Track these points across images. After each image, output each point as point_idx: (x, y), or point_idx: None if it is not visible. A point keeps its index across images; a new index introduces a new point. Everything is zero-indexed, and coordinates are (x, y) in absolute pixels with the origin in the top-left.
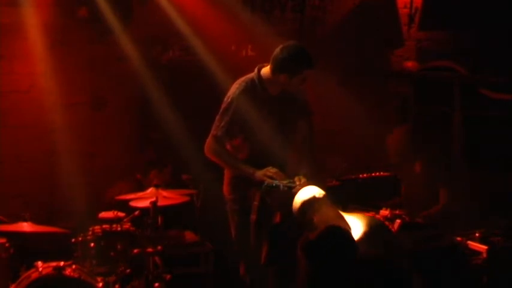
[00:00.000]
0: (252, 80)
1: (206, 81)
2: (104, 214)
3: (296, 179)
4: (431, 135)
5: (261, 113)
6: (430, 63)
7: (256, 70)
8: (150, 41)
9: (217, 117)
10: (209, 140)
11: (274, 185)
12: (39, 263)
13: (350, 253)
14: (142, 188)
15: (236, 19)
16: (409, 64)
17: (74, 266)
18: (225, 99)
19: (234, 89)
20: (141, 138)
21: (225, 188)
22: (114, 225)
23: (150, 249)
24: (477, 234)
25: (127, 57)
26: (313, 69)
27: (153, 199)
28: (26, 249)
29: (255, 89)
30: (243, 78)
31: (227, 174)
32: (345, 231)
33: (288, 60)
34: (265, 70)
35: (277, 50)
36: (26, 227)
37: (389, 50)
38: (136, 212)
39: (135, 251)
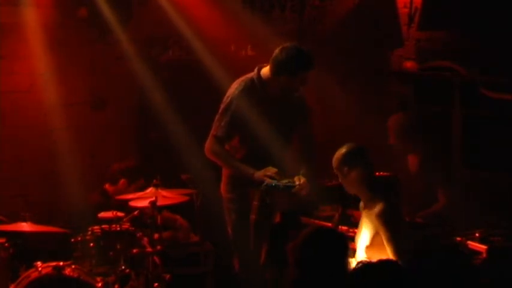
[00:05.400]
0: (252, 80)
1: (206, 81)
2: (103, 214)
3: (296, 178)
4: (430, 135)
5: (260, 113)
6: (430, 63)
7: (256, 70)
8: (150, 41)
9: (217, 117)
10: (209, 141)
11: (273, 184)
12: (39, 263)
13: (339, 255)
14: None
15: (236, 19)
16: (409, 64)
17: (73, 266)
18: (224, 99)
19: (234, 89)
20: (141, 138)
21: (223, 187)
22: (114, 225)
23: (149, 249)
24: (477, 234)
25: (127, 57)
26: (312, 70)
27: (153, 199)
28: (26, 249)
29: (255, 89)
30: (242, 78)
31: (225, 173)
32: (334, 231)
33: (287, 63)
34: (265, 70)
35: (277, 51)
36: (25, 227)
37: (389, 50)
38: (136, 212)
39: (135, 251)
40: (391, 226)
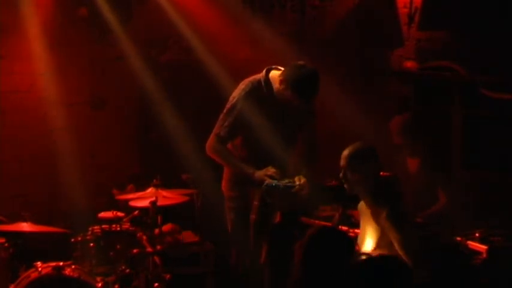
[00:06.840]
0: (259, 81)
1: (205, 81)
2: (103, 214)
3: (296, 178)
4: (430, 135)
5: (265, 114)
6: (430, 63)
7: (264, 72)
8: (150, 41)
9: (221, 116)
10: (211, 139)
11: (274, 184)
12: (39, 263)
13: (344, 255)
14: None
15: (236, 19)
16: (409, 64)
17: (73, 266)
18: (230, 99)
19: (240, 89)
20: (141, 138)
21: (224, 185)
22: (114, 225)
23: (149, 249)
24: (477, 234)
25: (127, 57)
26: (307, 103)
27: (153, 199)
28: (26, 249)
29: (261, 91)
30: (250, 79)
31: (227, 172)
32: (339, 231)
33: (295, 81)
34: (274, 73)
35: (296, 63)
36: (25, 227)
37: (389, 50)
38: (136, 212)
39: (135, 250)
40: (400, 226)
